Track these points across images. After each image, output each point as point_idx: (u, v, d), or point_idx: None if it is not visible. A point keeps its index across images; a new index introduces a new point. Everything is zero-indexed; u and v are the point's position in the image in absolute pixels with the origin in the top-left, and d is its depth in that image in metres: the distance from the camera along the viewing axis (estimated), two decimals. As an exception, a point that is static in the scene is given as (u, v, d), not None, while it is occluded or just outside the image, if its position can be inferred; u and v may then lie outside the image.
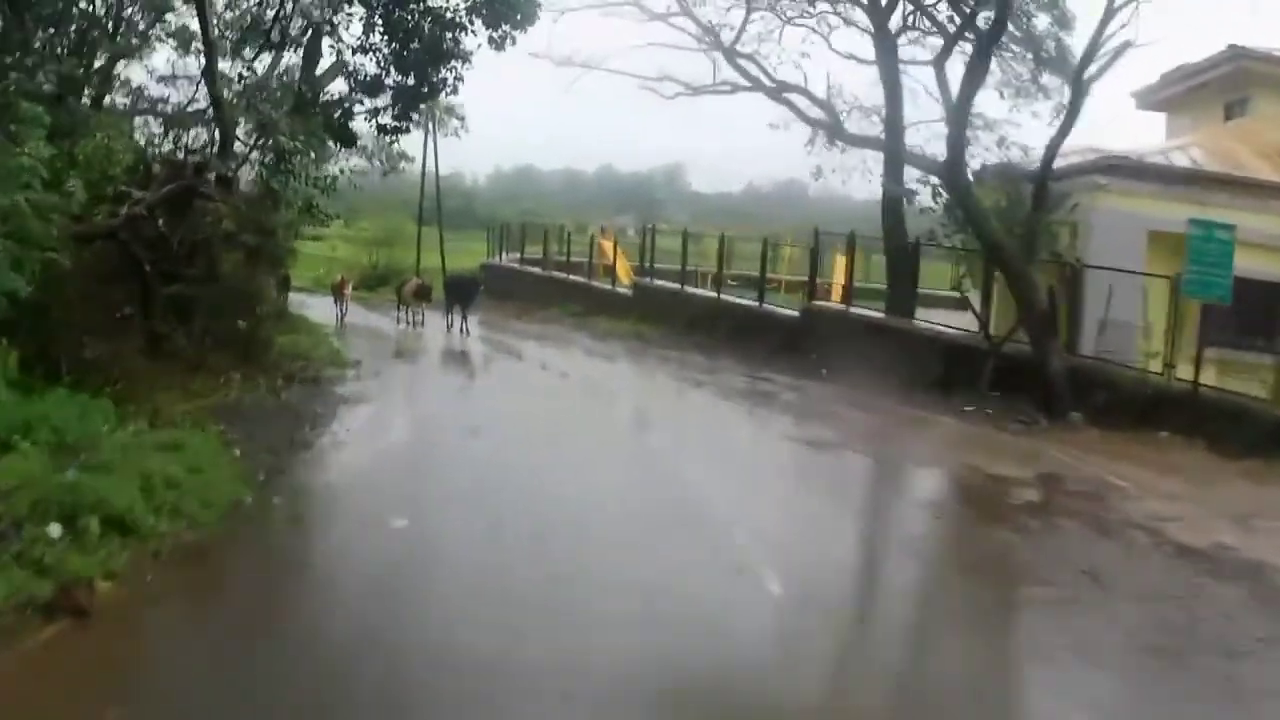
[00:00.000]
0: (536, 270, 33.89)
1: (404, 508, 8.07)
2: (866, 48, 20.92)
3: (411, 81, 16.81)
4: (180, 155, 17.21)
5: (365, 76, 17.25)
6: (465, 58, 17.10)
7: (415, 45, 16.72)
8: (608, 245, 33.78)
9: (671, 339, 23.18)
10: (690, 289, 26.39)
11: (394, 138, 20.29)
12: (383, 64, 17.05)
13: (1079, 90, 16.29)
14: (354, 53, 17.42)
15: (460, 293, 24.65)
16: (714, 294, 24.72)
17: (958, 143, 16.89)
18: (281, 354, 16.53)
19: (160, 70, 21.01)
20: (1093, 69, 16.10)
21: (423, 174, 37.50)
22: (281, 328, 20.26)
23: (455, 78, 17.46)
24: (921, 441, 12.79)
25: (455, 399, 15.16)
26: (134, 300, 13.76)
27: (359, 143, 24.58)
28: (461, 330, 23.88)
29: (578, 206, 59.21)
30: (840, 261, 25.66)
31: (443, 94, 18.30)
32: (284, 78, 19.75)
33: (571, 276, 32.22)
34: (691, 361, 20.00)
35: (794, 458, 11.60)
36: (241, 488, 7.90)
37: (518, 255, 36.59)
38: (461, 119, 30.51)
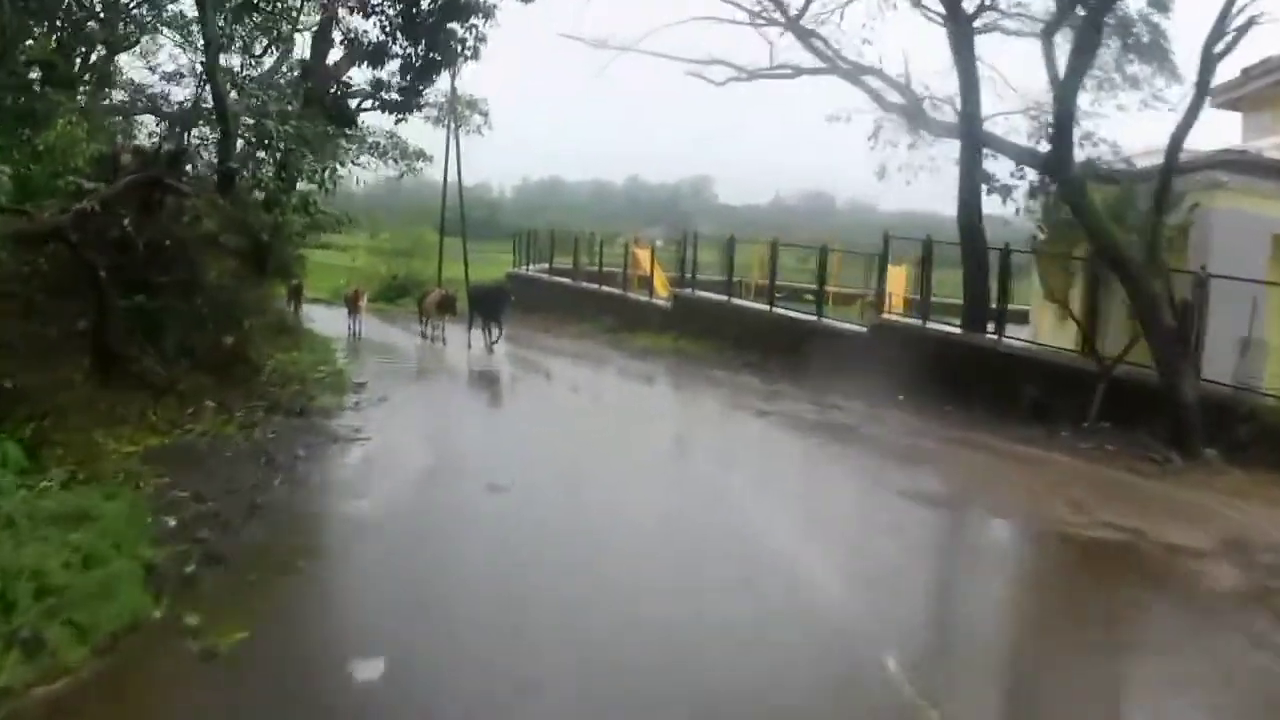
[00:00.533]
0: (566, 281, 31.50)
1: (382, 635, 5.46)
2: (933, 34, 18.26)
3: (422, 48, 14.19)
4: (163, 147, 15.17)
5: (368, 45, 14.70)
6: (488, 12, 14.49)
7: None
8: (643, 255, 31.45)
9: (718, 357, 20.67)
10: (737, 301, 23.86)
11: (402, 117, 17.68)
12: (388, 28, 14.50)
13: (1208, 68, 13.67)
14: (352, 12, 14.88)
15: (486, 304, 22.26)
16: (764, 307, 22.13)
17: (1065, 128, 14.30)
18: (275, 376, 14.21)
19: (164, 66, 19.49)
20: (1220, 45, 13.54)
21: (444, 177, 35.24)
22: (285, 344, 18.04)
23: (476, 38, 15.03)
24: (1053, 493, 10.17)
25: (472, 435, 12.65)
26: (89, 313, 11.47)
27: (370, 139, 22.43)
28: (486, 347, 21.48)
29: (605, 218, 57.44)
30: (897, 272, 23.16)
31: (460, 59, 15.60)
32: (291, 72, 18.05)
33: (604, 288, 29.82)
34: (746, 385, 17.48)
35: (910, 524, 8.89)
36: (146, 597, 5.37)
37: (546, 265, 34.25)
38: (485, 115, 28.04)
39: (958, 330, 17.55)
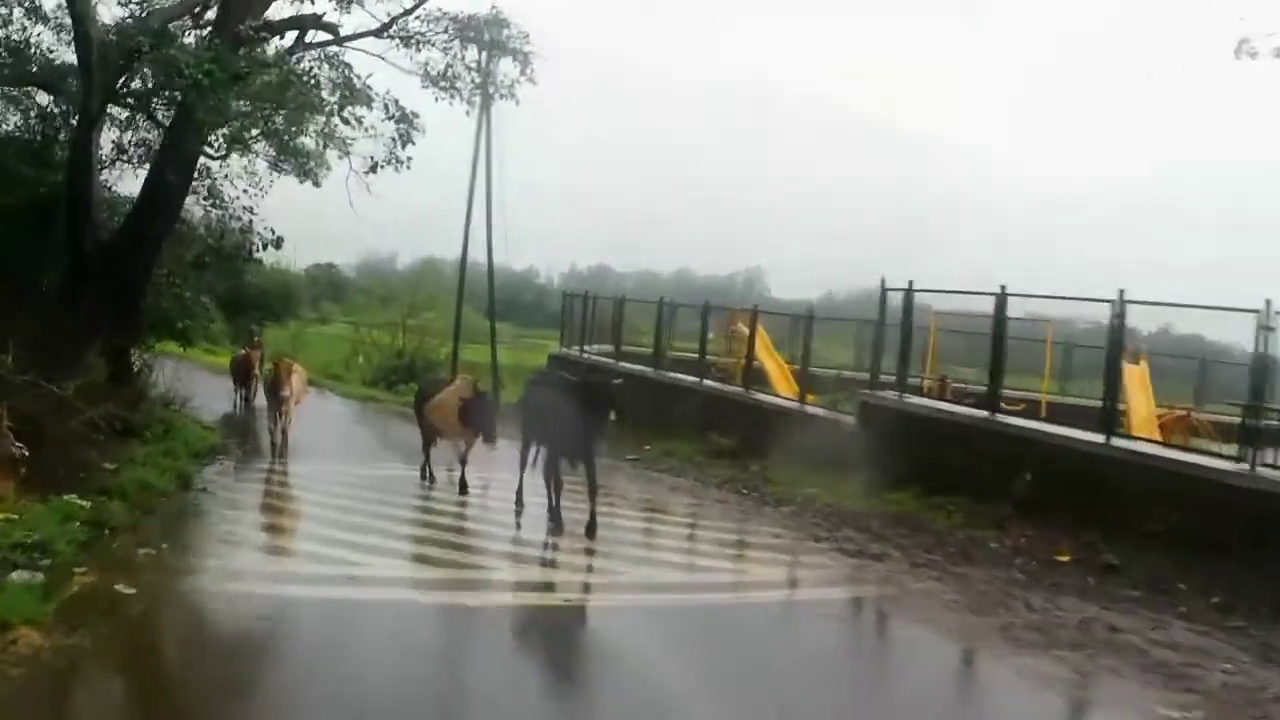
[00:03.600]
0: (645, 371, 20.78)
1: None
2: None
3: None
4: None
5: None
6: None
7: None
8: (750, 335, 21.33)
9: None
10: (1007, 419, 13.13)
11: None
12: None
13: None
14: None
15: (563, 419, 10.82)
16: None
17: None
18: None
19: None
20: None
21: (471, 181, 25.21)
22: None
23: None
24: None
25: None
26: None
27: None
28: (556, 519, 10.95)
29: (652, 310, 49.38)
30: (1135, 373, 14.88)
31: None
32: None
33: (706, 382, 19.20)
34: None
35: None
36: None
37: (611, 346, 23.59)
38: (525, 57, 16.89)
39: None
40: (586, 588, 9.46)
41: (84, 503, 8.56)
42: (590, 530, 10.44)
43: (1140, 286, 12.78)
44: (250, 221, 15.71)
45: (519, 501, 11.69)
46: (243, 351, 18.45)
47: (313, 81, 13.63)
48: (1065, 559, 10.60)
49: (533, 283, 58.30)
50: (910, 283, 15.34)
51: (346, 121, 13.50)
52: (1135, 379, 15.07)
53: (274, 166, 17.53)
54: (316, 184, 17.91)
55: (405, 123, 14.46)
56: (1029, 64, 75.79)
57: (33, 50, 14.21)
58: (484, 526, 11.36)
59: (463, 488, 12.64)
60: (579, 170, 64.65)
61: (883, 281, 15.98)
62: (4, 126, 14.54)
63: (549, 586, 9.27)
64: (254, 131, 17.20)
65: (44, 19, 14.43)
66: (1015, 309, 13.86)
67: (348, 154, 14.46)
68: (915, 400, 15.09)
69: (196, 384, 17.31)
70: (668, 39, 77.51)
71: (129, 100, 13.92)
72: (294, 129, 16.42)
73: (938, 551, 10.89)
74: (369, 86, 14.00)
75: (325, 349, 29.99)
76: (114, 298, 12.60)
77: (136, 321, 13.51)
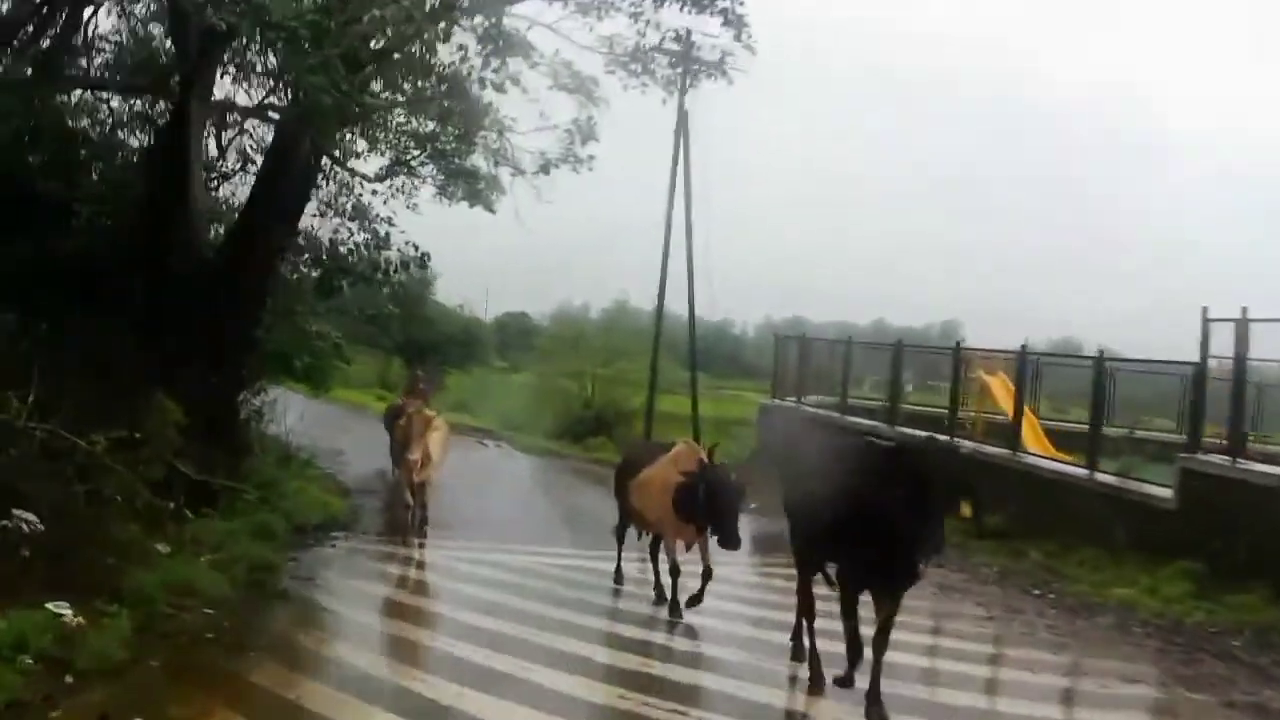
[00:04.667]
0: (874, 425, 16.83)
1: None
2: None
3: None
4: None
5: None
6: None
7: None
8: (998, 387, 17.87)
9: None
10: None
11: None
12: None
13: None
14: None
15: (885, 524, 6.15)
16: None
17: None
18: None
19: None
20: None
21: (668, 212, 22.10)
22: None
23: None
24: None
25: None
26: None
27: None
28: None
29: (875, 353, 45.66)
30: None
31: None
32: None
33: (960, 440, 15.20)
34: None
35: None
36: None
37: (830, 398, 19.72)
38: (739, 19, 13.25)
39: None
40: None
41: (68, 612, 5.55)
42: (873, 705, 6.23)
43: None
44: (387, 235, 12.91)
45: (809, 661, 7.04)
46: (399, 401, 15.57)
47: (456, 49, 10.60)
48: None
49: (729, 333, 56.11)
50: (1244, 310, 11.40)
51: (500, 87, 10.45)
52: None
53: (441, 191, 15.24)
54: (489, 208, 15.54)
55: (583, 94, 11.24)
56: None
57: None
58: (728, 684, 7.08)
59: (674, 609, 8.68)
60: (770, 215, 61.32)
61: (1204, 312, 11.94)
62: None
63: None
64: (416, 152, 14.90)
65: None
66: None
67: (504, 131, 11.40)
68: (1260, 468, 10.94)
69: (353, 434, 14.72)
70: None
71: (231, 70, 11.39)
72: (461, 146, 13.97)
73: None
74: (528, 40, 10.75)
75: (508, 397, 27.58)
76: (210, 329, 9.89)
77: (241, 359, 10.73)
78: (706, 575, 8.62)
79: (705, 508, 8.27)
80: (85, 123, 11.72)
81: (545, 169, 12.34)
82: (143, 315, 9.16)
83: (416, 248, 13.03)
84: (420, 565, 10.53)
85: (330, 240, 12.99)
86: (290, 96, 10.81)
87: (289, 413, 13.15)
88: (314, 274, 12.45)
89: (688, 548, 8.76)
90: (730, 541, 8.14)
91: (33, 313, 8.91)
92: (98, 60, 12.04)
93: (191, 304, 9.61)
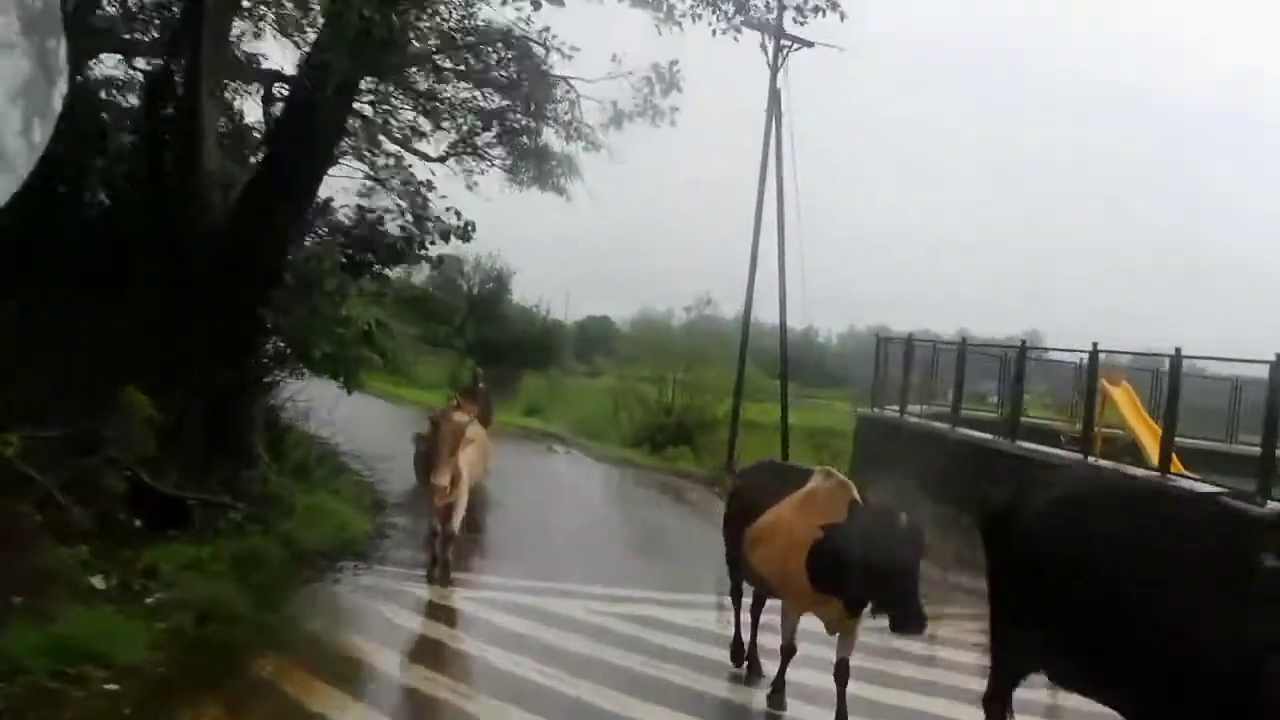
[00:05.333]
0: (989, 440, 14.99)
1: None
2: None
3: None
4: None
5: None
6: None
7: None
8: (1123, 400, 16.40)
9: None
10: None
11: None
12: None
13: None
14: None
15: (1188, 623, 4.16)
16: None
17: None
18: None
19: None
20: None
21: (758, 207, 20.50)
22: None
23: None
24: None
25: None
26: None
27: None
28: None
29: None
30: None
31: None
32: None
33: (1096, 460, 13.31)
34: None
35: None
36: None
37: (932, 408, 17.82)
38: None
39: None
40: None
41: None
42: None
43: None
44: (425, 201, 11.28)
45: None
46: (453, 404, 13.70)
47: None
48: None
49: (814, 341, 54.60)
50: None
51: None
52: None
53: (510, 173, 14.00)
54: (560, 192, 14.28)
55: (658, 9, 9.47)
56: None
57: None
58: None
59: (777, 699, 6.54)
60: (855, 221, 59.28)
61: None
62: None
63: None
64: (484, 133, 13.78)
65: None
66: None
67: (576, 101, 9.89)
68: None
69: (408, 439, 13.37)
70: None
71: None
72: (530, 123, 12.83)
73: None
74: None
75: (585, 403, 26.12)
76: (213, 309, 8.37)
77: (245, 348, 9.12)
78: (788, 653, 6.54)
79: (863, 579, 5.74)
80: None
81: (617, 121, 10.76)
82: (137, 295, 7.78)
83: (459, 214, 11.40)
84: (438, 616, 8.10)
85: (358, 207, 11.50)
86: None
87: (333, 413, 11.77)
88: (344, 249, 10.83)
89: (829, 631, 6.36)
90: (910, 624, 5.70)
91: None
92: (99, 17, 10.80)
93: (193, 281, 8.19)
